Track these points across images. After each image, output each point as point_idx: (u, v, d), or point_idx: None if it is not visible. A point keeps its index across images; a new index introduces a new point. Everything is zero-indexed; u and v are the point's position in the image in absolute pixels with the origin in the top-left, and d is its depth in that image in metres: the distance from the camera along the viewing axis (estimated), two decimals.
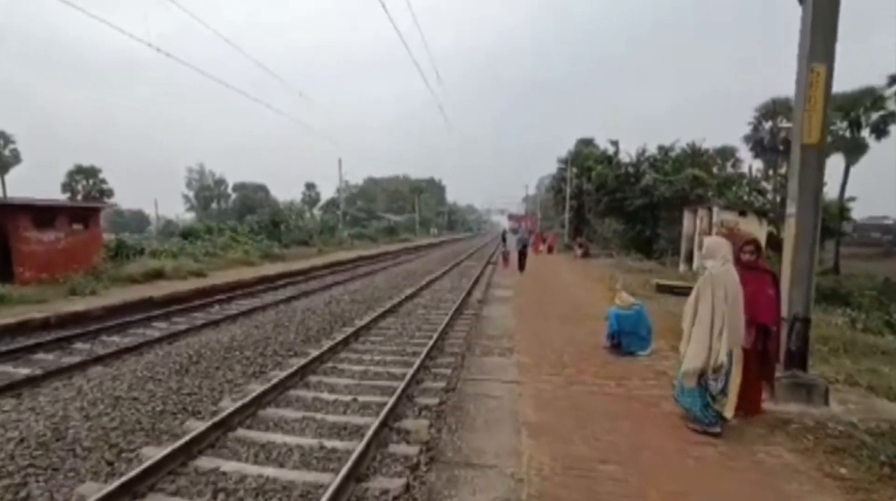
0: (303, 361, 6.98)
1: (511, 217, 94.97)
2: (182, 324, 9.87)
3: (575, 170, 37.75)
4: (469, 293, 13.55)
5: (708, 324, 3.64)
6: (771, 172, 31.88)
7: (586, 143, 43.91)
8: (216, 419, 4.82)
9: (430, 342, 7.85)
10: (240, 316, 10.55)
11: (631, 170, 27.18)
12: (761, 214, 15.58)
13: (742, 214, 14.62)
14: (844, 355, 5.98)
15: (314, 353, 7.43)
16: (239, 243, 24.07)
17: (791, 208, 4.35)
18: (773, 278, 4.13)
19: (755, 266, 4.06)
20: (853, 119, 36.46)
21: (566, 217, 36.32)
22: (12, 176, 64.25)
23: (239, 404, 5.23)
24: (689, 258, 16.14)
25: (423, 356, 7.19)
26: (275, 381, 6.01)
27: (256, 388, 5.92)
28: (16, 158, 63.98)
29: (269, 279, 16.01)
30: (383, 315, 10.58)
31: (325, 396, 5.92)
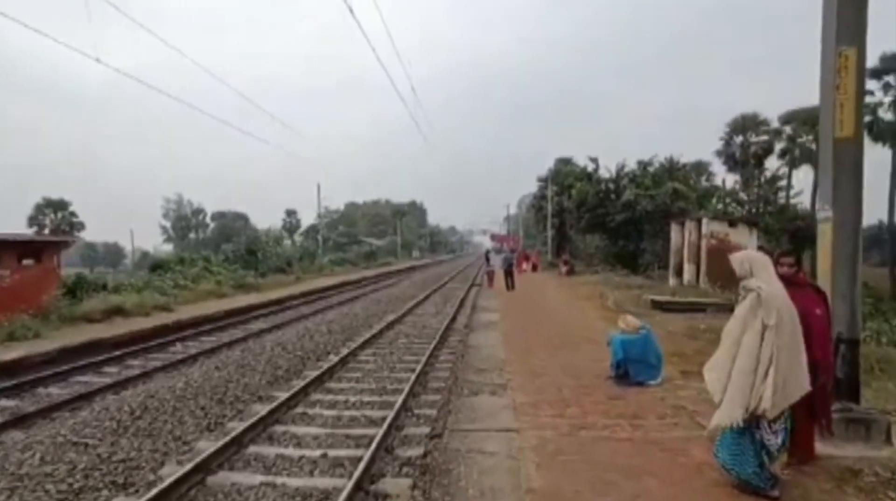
0: (267, 407, 6.06)
1: (494, 237, 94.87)
2: (135, 368, 8.80)
3: (555, 188, 37.71)
4: (454, 319, 12.74)
5: (753, 362, 2.89)
6: (745, 184, 32.29)
7: (565, 162, 44.13)
8: (150, 494, 3.88)
9: (412, 377, 7.00)
10: (201, 356, 9.51)
11: (611, 186, 27.09)
12: (751, 224, 15.29)
13: (731, 224, 14.29)
14: (882, 375, 5.36)
15: (281, 396, 6.51)
16: (212, 273, 22.85)
17: (824, 212, 3.76)
18: (820, 295, 3.47)
19: (795, 281, 3.40)
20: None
21: (549, 235, 36.04)
22: None
23: (184, 470, 4.29)
24: (679, 272, 15.67)
25: (404, 394, 6.33)
26: (232, 435, 5.08)
27: (208, 446, 4.96)
28: None
29: (240, 312, 14.91)
30: (362, 347, 9.68)
31: (290, 452, 5.01)
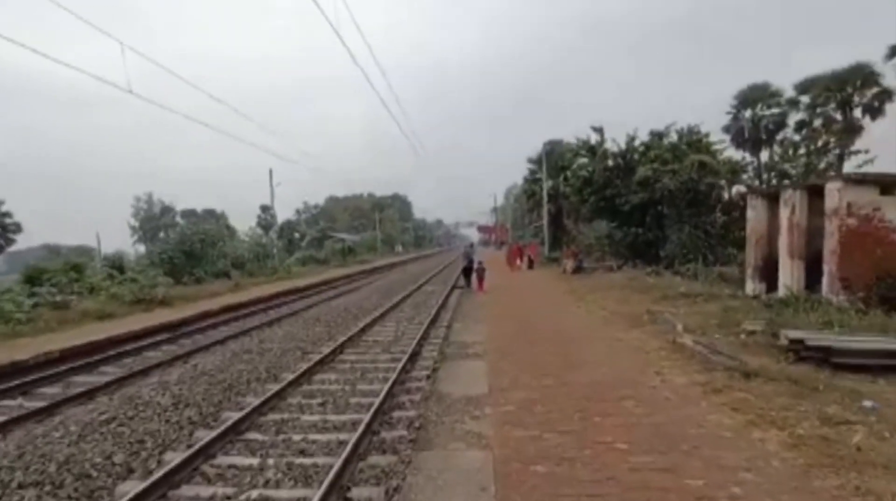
0: None
1: (481, 229, 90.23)
2: None
3: (548, 170, 32.89)
4: (414, 356, 7.89)
5: None
6: (787, 155, 27.53)
7: (555, 144, 39.29)
8: None
9: None
10: None
11: (620, 161, 22.25)
12: None
13: (886, 190, 8.80)
14: None
15: None
16: (121, 283, 17.63)
17: None
18: None
19: None
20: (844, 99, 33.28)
21: (544, 224, 31.19)
22: None
23: None
24: (769, 274, 10.42)
25: None
26: None
27: None
28: None
29: (92, 350, 9.81)
30: (237, 430, 4.79)
31: None
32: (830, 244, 8.78)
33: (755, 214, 10.64)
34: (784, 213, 9.93)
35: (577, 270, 19.10)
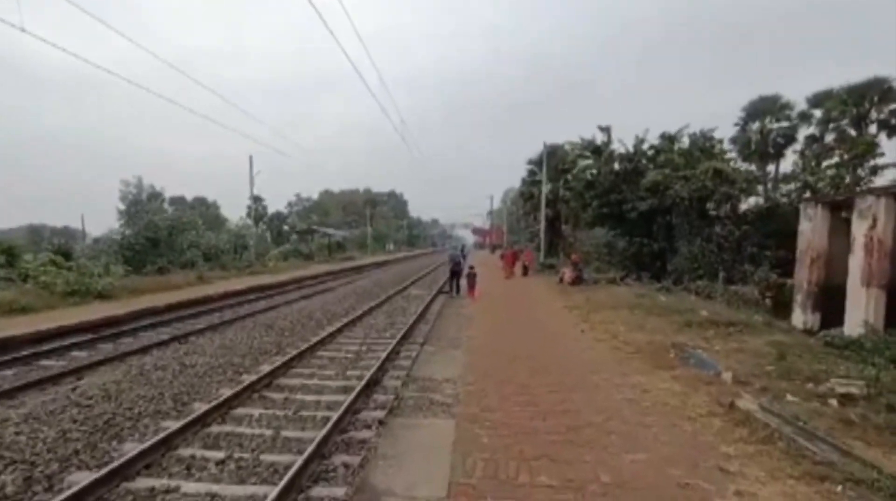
0: None
1: (476, 231, 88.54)
2: None
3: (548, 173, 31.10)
4: (373, 385, 6.04)
5: None
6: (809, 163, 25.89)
7: (556, 148, 37.58)
8: None
9: None
10: None
11: (628, 165, 20.49)
12: None
13: None
14: None
15: None
16: (60, 268, 15.60)
17: None
18: None
19: None
20: (861, 114, 31.76)
21: (541, 227, 29.39)
22: None
23: None
24: (826, 303, 8.08)
25: None
26: None
27: None
28: None
29: None
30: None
31: None
32: None
33: (811, 226, 8.49)
34: (859, 227, 7.71)
35: (577, 280, 17.30)
